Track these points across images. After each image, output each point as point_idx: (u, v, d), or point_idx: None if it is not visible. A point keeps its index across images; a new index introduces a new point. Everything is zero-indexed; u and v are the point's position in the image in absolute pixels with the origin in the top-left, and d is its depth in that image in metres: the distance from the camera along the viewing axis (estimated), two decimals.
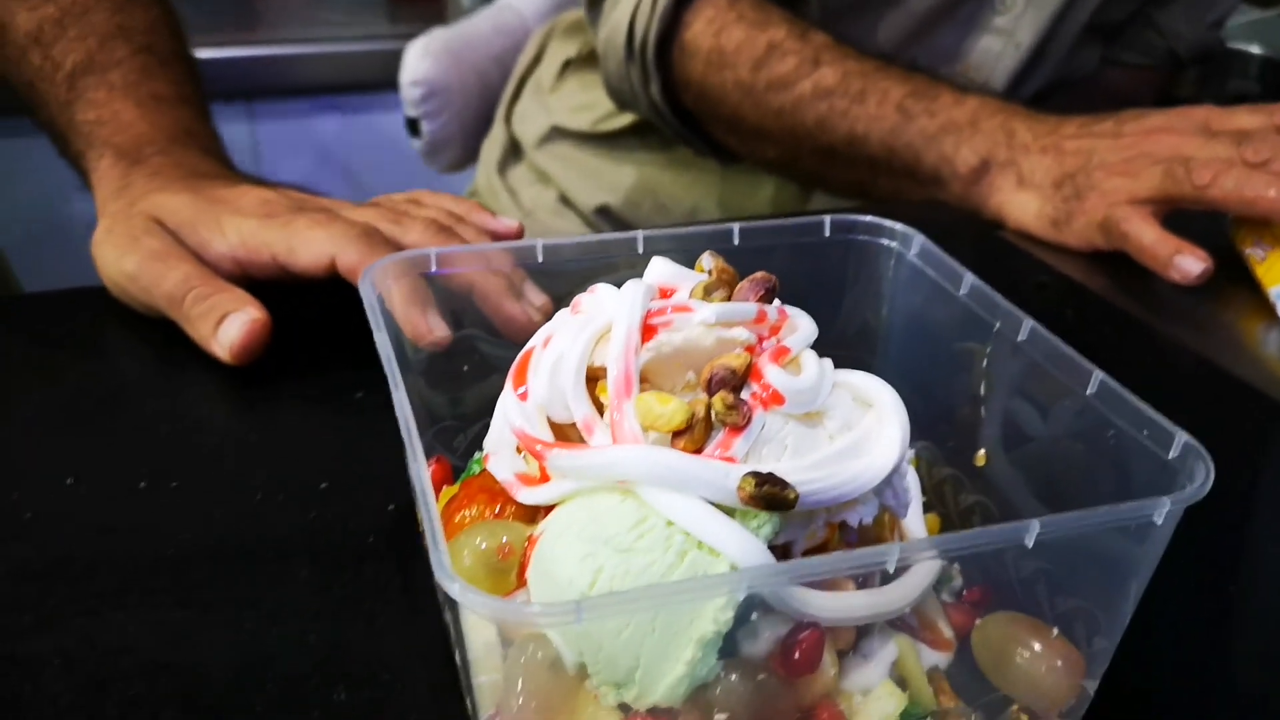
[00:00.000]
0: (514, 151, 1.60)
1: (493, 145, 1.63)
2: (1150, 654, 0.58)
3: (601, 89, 1.41)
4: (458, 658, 0.51)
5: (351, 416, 0.76)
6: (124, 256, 0.82)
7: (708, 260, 0.55)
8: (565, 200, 1.50)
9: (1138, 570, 0.47)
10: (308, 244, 0.79)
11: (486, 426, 0.59)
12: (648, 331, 0.51)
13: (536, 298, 0.69)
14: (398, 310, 0.65)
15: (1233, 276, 1.02)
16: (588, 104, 1.48)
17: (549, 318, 0.69)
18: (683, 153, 1.44)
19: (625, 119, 1.44)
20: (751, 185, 1.44)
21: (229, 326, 0.76)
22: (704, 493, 0.46)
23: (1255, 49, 2.21)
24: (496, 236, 0.89)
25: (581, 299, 0.55)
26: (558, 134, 1.52)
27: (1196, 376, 0.85)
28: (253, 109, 2.31)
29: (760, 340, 0.52)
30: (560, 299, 0.65)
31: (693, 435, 0.48)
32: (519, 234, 0.88)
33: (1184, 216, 1.03)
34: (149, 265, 0.80)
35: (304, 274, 0.79)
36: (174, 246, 0.81)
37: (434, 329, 0.66)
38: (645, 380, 0.51)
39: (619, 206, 1.47)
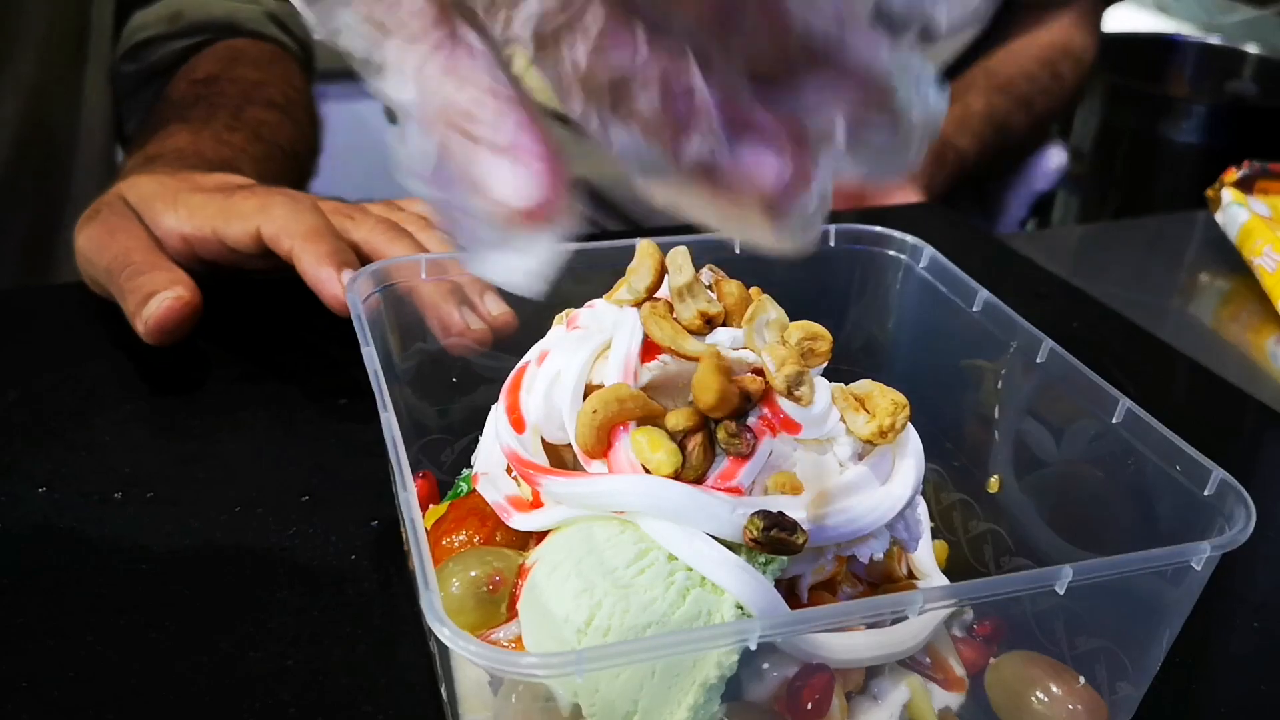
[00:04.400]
0: None
1: None
2: (1184, 705, 0.56)
3: None
4: (444, 692, 0.48)
5: (333, 424, 0.73)
6: (81, 230, 0.80)
7: (707, 275, 0.53)
8: None
9: (1170, 614, 0.45)
10: (239, 216, 0.76)
11: (474, 440, 0.56)
12: (649, 349, 0.49)
13: (495, 307, 0.65)
14: (429, 309, 0.63)
15: (1241, 286, 1.00)
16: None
17: (505, 331, 0.66)
18: None
19: None
20: None
21: (152, 303, 0.73)
22: (707, 527, 0.43)
23: (1252, 48, 2.19)
24: None
25: (579, 314, 0.52)
26: None
27: (1204, 391, 0.82)
28: None
29: None
30: (550, 308, 0.62)
31: (690, 465, 0.45)
32: None
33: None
34: (96, 236, 0.79)
35: (237, 247, 0.76)
36: (127, 222, 0.79)
37: (470, 323, 0.64)
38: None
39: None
